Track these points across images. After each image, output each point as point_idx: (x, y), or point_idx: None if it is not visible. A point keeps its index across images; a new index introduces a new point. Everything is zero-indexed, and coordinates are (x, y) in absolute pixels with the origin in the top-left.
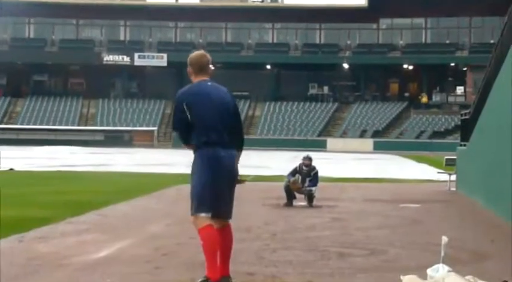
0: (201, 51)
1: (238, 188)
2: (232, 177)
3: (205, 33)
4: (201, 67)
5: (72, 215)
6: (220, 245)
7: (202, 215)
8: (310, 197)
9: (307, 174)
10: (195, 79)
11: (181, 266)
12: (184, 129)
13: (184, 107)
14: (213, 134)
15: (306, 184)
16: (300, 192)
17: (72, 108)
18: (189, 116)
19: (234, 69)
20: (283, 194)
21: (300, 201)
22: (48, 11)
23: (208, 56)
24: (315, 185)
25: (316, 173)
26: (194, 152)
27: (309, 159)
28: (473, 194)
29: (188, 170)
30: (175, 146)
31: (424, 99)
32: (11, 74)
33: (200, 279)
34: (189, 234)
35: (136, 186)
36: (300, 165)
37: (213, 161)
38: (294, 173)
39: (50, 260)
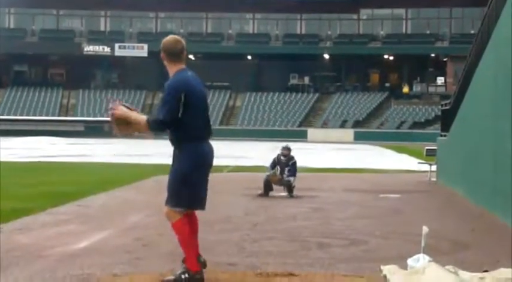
0: (175, 37)
1: (217, 178)
2: (210, 170)
3: (186, 23)
4: (175, 53)
5: (52, 206)
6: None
7: (179, 209)
8: (289, 188)
9: (285, 164)
10: (171, 66)
11: (162, 256)
12: (174, 122)
13: (182, 97)
14: (202, 128)
15: (285, 174)
16: (280, 184)
17: (52, 98)
18: (181, 108)
19: (215, 59)
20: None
21: (280, 191)
22: (28, 1)
23: (182, 41)
24: (293, 175)
25: (295, 163)
26: (180, 145)
27: (288, 149)
28: (453, 184)
29: (168, 161)
30: (156, 137)
31: (406, 89)
32: None
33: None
34: (170, 225)
35: (117, 177)
36: (278, 155)
37: (201, 157)
38: (273, 165)
39: (30, 252)
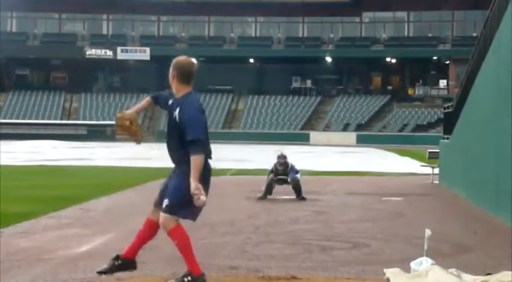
0: (190, 59)
1: (220, 182)
2: None
3: (188, 27)
4: (188, 76)
5: (54, 209)
6: (148, 235)
7: (177, 218)
8: (297, 188)
9: (284, 172)
10: (179, 87)
11: (165, 260)
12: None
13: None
14: (210, 147)
15: (289, 178)
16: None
17: (54, 102)
18: None
19: (217, 63)
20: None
21: (283, 194)
22: (31, 4)
23: (196, 64)
24: (297, 172)
25: (293, 166)
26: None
27: (284, 157)
28: (456, 186)
29: (169, 164)
30: (158, 140)
31: (408, 92)
32: None
33: (182, 274)
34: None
35: (119, 180)
36: (275, 165)
37: (209, 175)
38: (270, 173)
39: (31, 255)
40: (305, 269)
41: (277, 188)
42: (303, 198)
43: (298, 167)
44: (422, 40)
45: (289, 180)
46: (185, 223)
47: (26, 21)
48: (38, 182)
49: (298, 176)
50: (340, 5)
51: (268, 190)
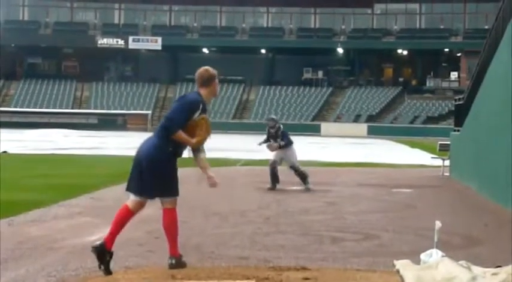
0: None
1: (230, 172)
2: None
3: (200, 17)
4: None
5: (64, 198)
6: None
7: None
8: (299, 173)
9: (275, 135)
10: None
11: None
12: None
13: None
14: None
15: (280, 143)
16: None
17: (65, 91)
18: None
19: (229, 53)
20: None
21: (293, 185)
22: None
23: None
24: (289, 142)
25: (284, 131)
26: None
27: (273, 120)
28: (466, 179)
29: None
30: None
31: (419, 84)
32: (4, 56)
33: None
34: (181, 217)
35: (129, 170)
36: (267, 128)
37: None
38: (266, 138)
39: (42, 244)
40: (315, 260)
41: (287, 178)
42: (308, 189)
43: (308, 157)
44: (434, 32)
45: (282, 144)
46: (193, 213)
47: (38, 9)
48: (48, 171)
49: (295, 160)
50: None
51: (274, 178)
